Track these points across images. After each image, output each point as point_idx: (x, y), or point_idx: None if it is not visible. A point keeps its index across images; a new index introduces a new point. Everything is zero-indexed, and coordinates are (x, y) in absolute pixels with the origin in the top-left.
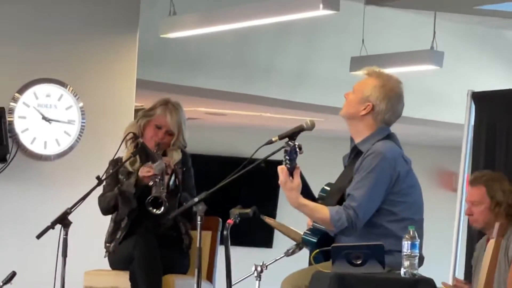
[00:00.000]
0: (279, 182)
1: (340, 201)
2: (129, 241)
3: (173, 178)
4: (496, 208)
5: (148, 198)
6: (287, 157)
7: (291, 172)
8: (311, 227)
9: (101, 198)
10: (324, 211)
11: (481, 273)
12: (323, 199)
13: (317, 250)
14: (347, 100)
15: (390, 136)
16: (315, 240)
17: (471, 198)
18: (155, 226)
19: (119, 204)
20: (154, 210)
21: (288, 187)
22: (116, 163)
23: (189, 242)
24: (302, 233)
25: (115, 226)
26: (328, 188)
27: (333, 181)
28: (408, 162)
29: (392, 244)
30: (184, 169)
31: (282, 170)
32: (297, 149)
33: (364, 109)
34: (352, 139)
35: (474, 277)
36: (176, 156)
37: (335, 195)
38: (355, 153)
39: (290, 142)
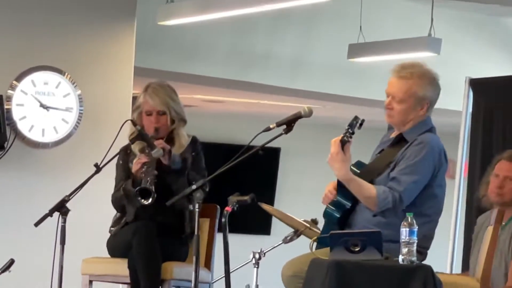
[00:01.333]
0: (331, 153)
1: (371, 183)
2: (129, 227)
3: (178, 158)
4: None
5: (136, 190)
6: (350, 130)
7: (343, 146)
8: (335, 200)
9: (113, 197)
10: (371, 188)
11: (479, 259)
12: None
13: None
14: (396, 110)
15: (433, 129)
16: (338, 215)
17: (509, 173)
18: (159, 212)
19: (126, 205)
20: (143, 200)
21: (339, 158)
22: (125, 151)
23: (190, 231)
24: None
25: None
26: (357, 170)
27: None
28: (447, 160)
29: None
30: (194, 153)
31: (335, 142)
32: (359, 124)
33: (422, 108)
34: (390, 127)
35: (471, 255)
36: (184, 140)
37: (366, 177)
38: (398, 139)
39: (355, 118)
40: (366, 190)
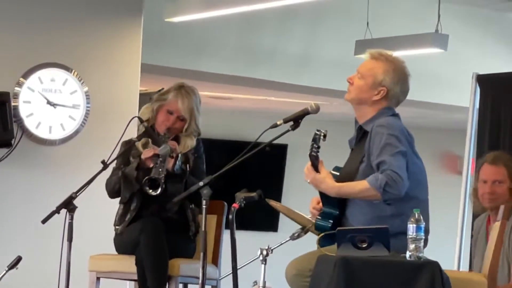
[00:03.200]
0: (309, 181)
1: None
2: (136, 224)
3: (179, 162)
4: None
5: (145, 179)
6: (315, 145)
7: (315, 168)
8: (322, 212)
9: (108, 181)
10: (362, 182)
11: (485, 256)
12: None
13: (322, 234)
14: (355, 85)
15: (395, 115)
16: (329, 225)
17: (495, 177)
18: (161, 210)
19: (121, 188)
20: (151, 191)
21: (319, 179)
22: (127, 144)
23: (195, 229)
24: (313, 220)
25: (125, 209)
26: (336, 173)
27: (339, 164)
28: (412, 136)
29: (398, 226)
30: (196, 155)
31: (307, 169)
32: (322, 138)
33: (377, 94)
34: (356, 121)
35: (474, 257)
36: (190, 142)
37: (345, 179)
38: (361, 134)
39: (317, 131)
40: (358, 186)
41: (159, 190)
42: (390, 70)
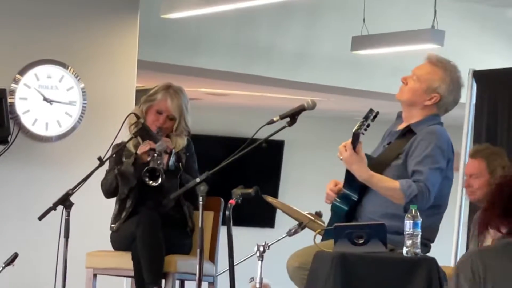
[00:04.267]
0: (345, 158)
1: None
2: (133, 219)
3: (173, 159)
4: None
5: (145, 169)
6: (365, 123)
7: (354, 148)
8: (341, 193)
9: (103, 182)
10: (393, 181)
11: None
12: None
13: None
14: (409, 86)
15: (441, 125)
16: (346, 208)
17: (471, 170)
18: (158, 206)
19: (119, 184)
20: (151, 182)
21: (355, 159)
22: (118, 147)
23: (193, 225)
24: (327, 202)
25: (120, 207)
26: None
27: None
28: (454, 153)
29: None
30: (188, 154)
31: (346, 146)
32: (373, 117)
33: (430, 99)
34: (399, 116)
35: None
36: (181, 142)
37: (374, 169)
38: (406, 131)
39: (372, 110)
40: (389, 182)
41: (159, 180)
42: (447, 79)
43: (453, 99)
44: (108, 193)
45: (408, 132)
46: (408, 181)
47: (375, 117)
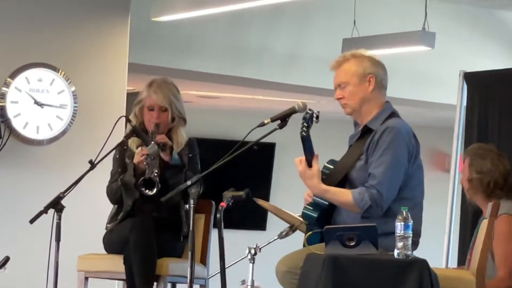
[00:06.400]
0: (299, 173)
1: (344, 180)
2: (126, 222)
3: (175, 154)
4: (477, 184)
5: (140, 180)
6: (305, 124)
7: (309, 163)
8: (312, 201)
9: (108, 188)
10: (347, 194)
11: (474, 253)
12: (325, 176)
13: (310, 232)
14: (346, 95)
15: (396, 113)
16: (315, 215)
17: (460, 168)
18: (155, 208)
19: (123, 197)
20: (147, 191)
21: (308, 175)
22: (122, 146)
23: (187, 230)
24: (301, 211)
25: (118, 208)
26: (331, 166)
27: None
28: (418, 141)
29: (390, 226)
30: (191, 155)
31: (300, 161)
32: (314, 117)
33: (370, 83)
34: (356, 123)
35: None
36: (181, 137)
37: (339, 173)
38: (363, 132)
39: (309, 110)
40: (342, 196)
41: (154, 190)
42: (363, 60)
43: (382, 70)
44: (113, 201)
45: (367, 132)
46: (361, 192)
47: (317, 117)
